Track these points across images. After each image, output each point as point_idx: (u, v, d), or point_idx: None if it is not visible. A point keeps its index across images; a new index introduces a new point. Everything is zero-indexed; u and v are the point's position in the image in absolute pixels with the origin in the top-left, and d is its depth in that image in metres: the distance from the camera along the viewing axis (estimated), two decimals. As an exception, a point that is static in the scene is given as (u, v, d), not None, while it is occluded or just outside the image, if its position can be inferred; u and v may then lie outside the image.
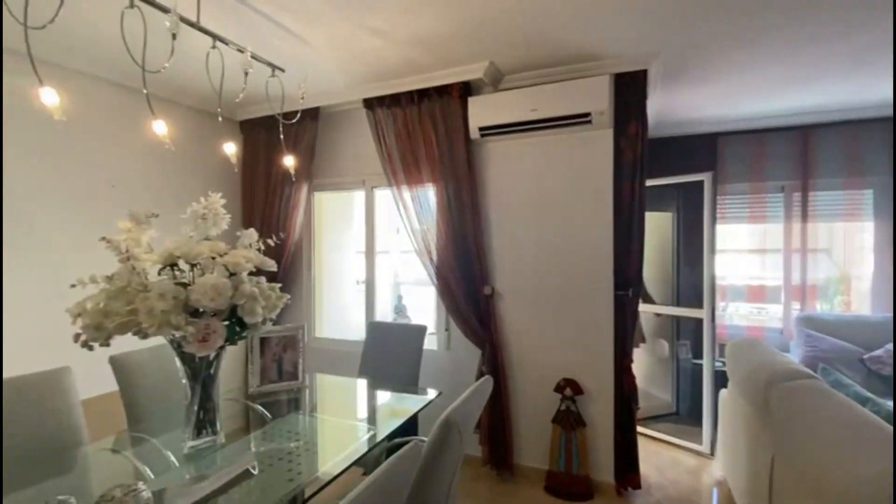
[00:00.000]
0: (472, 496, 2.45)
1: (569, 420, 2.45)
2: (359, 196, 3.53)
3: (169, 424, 1.83)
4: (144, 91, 1.34)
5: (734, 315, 3.79)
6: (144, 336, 1.27)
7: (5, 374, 1.61)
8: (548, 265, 2.59)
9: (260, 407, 1.97)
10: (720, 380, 2.97)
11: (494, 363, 2.57)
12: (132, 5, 1.32)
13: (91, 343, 1.26)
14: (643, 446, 2.66)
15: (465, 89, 2.55)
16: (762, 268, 3.74)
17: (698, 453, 2.97)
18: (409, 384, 2.30)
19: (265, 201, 3.18)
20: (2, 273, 1.98)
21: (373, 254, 3.19)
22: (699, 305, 3.06)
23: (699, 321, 3.09)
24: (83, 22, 1.93)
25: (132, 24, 1.34)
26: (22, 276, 2.24)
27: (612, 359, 2.45)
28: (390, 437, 1.71)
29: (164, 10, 1.32)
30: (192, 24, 1.46)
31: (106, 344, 1.30)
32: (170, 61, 1.36)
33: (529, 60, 2.40)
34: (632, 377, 2.43)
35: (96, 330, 1.24)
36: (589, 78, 2.35)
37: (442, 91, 2.58)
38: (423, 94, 2.63)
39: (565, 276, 2.55)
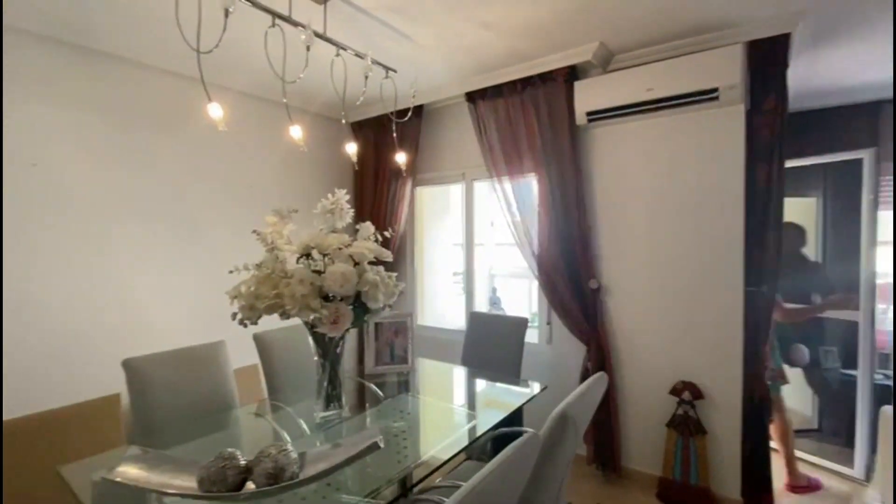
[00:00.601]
0: (578, 494, 2.39)
1: (687, 426, 2.26)
2: (455, 190, 3.62)
3: (300, 396, 2.06)
4: (284, 100, 1.51)
5: (897, 319, 3.15)
6: (287, 317, 1.44)
7: (176, 346, 1.93)
8: (663, 258, 2.40)
9: (374, 386, 2.13)
10: (880, 394, 2.52)
11: (601, 360, 2.46)
12: (273, 24, 1.49)
13: (245, 321, 1.47)
14: (776, 463, 2.36)
15: (571, 73, 2.45)
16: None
17: (848, 477, 2.55)
18: (511, 375, 2.31)
19: (374, 197, 3.40)
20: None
21: (472, 246, 3.24)
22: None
23: (850, 325, 2.64)
24: (231, 42, 2.22)
25: (270, 42, 1.52)
26: (183, 266, 2.68)
27: (740, 362, 2.20)
28: (497, 426, 1.73)
29: (301, 25, 1.47)
30: (320, 36, 1.60)
31: (255, 322, 1.50)
32: (304, 72, 1.51)
33: (645, 37, 2.23)
34: (764, 385, 2.16)
35: (250, 310, 1.44)
36: (717, 49, 2.10)
37: (546, 77, 2.51)
38: (526, 82, 2.59)
39: (684, 269, 2.34)
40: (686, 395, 2.28)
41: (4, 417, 1.98)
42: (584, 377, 2.52)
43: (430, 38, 2.22)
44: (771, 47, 2.10)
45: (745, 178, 2.17)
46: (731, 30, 2.13)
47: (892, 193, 2.38)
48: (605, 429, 2.48)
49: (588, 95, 2.39)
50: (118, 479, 1.17)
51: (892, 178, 2.45)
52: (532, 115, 2.58)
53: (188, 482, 1.16)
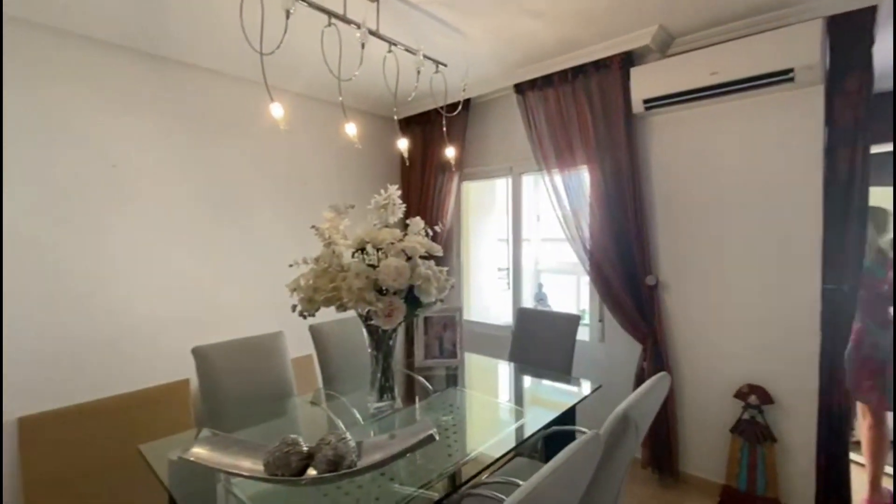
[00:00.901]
0: (634, 498, 2.31)
1: (754, 432, 2.12)
2: (500, 185, 3.58)
3: (352, 385, 2.12)
4: (340, 98, 1.54)
5: None
6: (344, 309, 1.48)
7: (239, 335, 2.03)
8: (729, 252, 2.25)
9: (423, 379, 2.15)
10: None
11: (658, 360, 2.36)
12: (329, 24, 1.52)
13: (304, 313, 1.52)
14: (858, 477, 2.17)
15: (627, 60, 2.34)
16: None
17: (942, 497, 2.30)
18: (561, 373, 2.26)
19: (420, 192, 3.42)
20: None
21: (519, 240, 3.20)
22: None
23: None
24: (288, 45, 2.30)
25: (325, 42, 1.55)
26: (243, 259, 2.81)
27: (816, 366, 2.03)
28: (549, 424, 1.70)
29: (356, 23, 1.49)
30: (374, 34, 1.62)
31: (313, 314, 1.55)
32: (359, 69, 1.54)
33: (709, 17, 2.09)
34: (845, 390, 1.98)
35: (309, 302, 1.49)
36: (791, 26, 1.93)
37: (600, 65, 2.41)
38: (577, 70, 2.50)
39: (753, 264, 2.19)
40: (753, 400, 2.14)
41: (89, 398, 2.17)
42: (639, 376, 2.42)
43: (478, 30, 2.19)
44: (854, 22, 1.91)
45: (823, 166, 1.99)
46: (808, 4, 1.95)
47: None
48: (661, 431, 2.37)
49: (645, 82, 2.28)
50: (192, 459, 1.25)
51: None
52: (584, 104, 2.49)
53: (255, 465, 1.22)
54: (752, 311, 2.20)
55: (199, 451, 1.28)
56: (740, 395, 2.17)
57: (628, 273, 2.44)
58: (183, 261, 2.54)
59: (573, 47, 2.42)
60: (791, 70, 1.93)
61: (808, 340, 2.05)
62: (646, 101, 2.30)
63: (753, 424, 2.13)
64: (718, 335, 2.30)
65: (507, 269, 3.37)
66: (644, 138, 2.47)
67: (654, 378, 1.36)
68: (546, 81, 2.64)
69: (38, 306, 2.06)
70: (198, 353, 1.85)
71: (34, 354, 2.05)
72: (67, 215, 2.16)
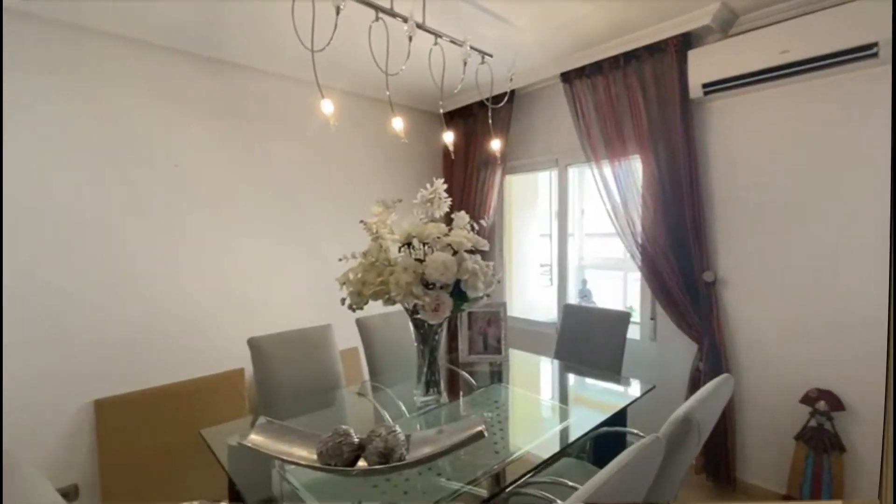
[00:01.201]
0: (687, 504, 2.22)
1: (821, 440, 1.97)
2: (542, 179, 3.49)
3: (397, 378, 2.15)
4: (387, 93, 1.54)
5: None
6: (392, 303, 1.49)
7: (289, 328, 2.09)
8: (795, 246, 2.09)
9: (466, 374, 2.15)
10: None
11: (715, 361, 2.23)
12: (377, 18, 1.52)
13: (353, 306, 1.55)
14: (946, 494, 1.96)
15: (684, 42, 2.20)
16: None
17: None
18: (611, 372, 2.18)
19: (463, 186, 3.40)
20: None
21: (565, 235, 3.11)
22: None
23: None
24: (336, 42, 2.33)
25: (372, 37, 1.55)
26: (293, 254, 2.90)
27: (893, 371, 1.85)
28: (600, 425, 1.65)
29: (403, 17, 1.48)
30: (421, 27, 1.61)
31: (361, 308, 1.57)
32: (406, 63, 1.53)
33: (778, -9, 1.93)
34: (933, 400, 1.80)
35: (357, 296, 1.51)
36: (875, -4, 1.75)
37: (653, 49, 2.29)
38: (629, 56, 2.38)
39: (822, 260, 2.02)
40: (822, 406, 1.98)
41: (155, 384, 2.32)
42: (694, 378, 2.30)
43: (525, 18, 2.13)
44: (955, -13, 1.69)
45: (912, 151, 1.80)
46: (898, -30, 1.76)
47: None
48: (718, 436, 2.25)
49: (705, 65, 2.14)
50: (250, 445, 1.30)
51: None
52: (636, 90, 2.37)
53: (309, 454, 1.26)
54: (822, 309, 2.03)
55: (256, 438, 1.33)
56: (807, 400, 2.02)
57: (684, 268, 2.32)
58: (238, 255, 2.65)
59: (625, 31, 2.30)
60: (875, 44, 1.74)
61: (884, 343, 1.87)
62: (705, 86, 2.16)
63: (821, 432, 1.98)
64: (783, 335, 2.15)
65: (550, 265, 3.29)
66: (702, 125, 2.32)
67: (717, 380, 1.29)
68: (595, 68, 2.54)
69: (109, 299, 2.21)
70: (253, 343, 1.93)
71: (108, 342, 2.21)
72: (138, 214, 2.29)
